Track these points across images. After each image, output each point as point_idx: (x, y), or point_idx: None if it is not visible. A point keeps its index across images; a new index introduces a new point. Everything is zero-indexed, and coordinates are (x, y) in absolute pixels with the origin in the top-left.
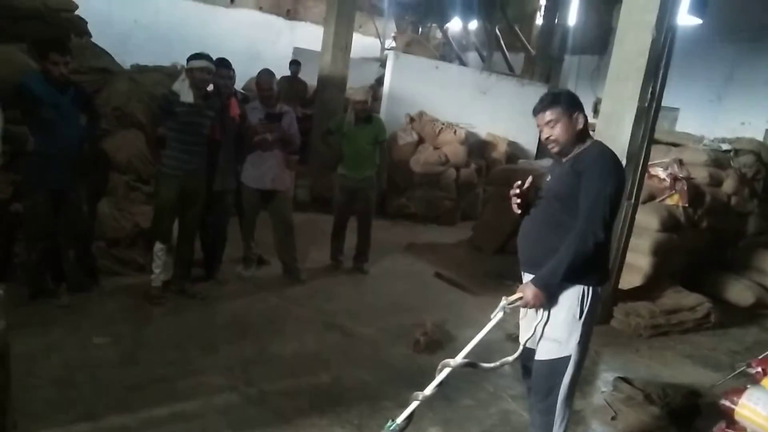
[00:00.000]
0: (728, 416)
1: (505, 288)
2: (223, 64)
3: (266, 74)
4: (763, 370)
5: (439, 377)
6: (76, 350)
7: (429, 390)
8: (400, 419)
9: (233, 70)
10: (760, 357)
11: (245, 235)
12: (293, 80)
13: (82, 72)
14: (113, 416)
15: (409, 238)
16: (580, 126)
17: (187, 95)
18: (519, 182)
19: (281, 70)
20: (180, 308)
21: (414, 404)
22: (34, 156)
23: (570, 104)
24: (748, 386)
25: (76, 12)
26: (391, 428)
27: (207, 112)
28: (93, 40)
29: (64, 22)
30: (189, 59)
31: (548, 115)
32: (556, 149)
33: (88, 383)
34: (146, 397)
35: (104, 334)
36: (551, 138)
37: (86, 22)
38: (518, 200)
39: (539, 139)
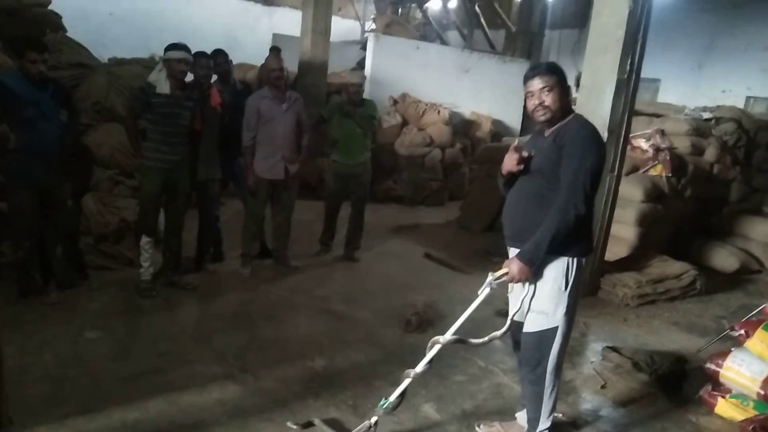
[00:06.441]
0: (714, 379)
1: (493, 265)
2: (202, 54)
3: (274, 54)
4: (746, 332)
5: (430, 354)
6: (68, 345)
7: (420, 367)
8: (392, 397)
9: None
10: (743, 320)
11: (250, 229)
12: None
13: (60, 68)
14: (109, 409)
15: (397, 221)
16: (570, 97)
17: (163, 86)
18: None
19: (261, 58)
20: (171, 300)
21: (406, 382)
22: (16, 154)
23: (564, 75)
24: (732, 349)
25: (50, 7)
26: (384, 406)
27: (185, 103)
28: (68, 34)
29: (38, 17)
30: (166, 50)
31: (545, 80)
32: (547, 116)
33: (82, 377)
34: (141, 389)
35: (96, 329)
36: (545, 104)
37: (61, 17)
38: (520, 166)
39: (523, 116)
